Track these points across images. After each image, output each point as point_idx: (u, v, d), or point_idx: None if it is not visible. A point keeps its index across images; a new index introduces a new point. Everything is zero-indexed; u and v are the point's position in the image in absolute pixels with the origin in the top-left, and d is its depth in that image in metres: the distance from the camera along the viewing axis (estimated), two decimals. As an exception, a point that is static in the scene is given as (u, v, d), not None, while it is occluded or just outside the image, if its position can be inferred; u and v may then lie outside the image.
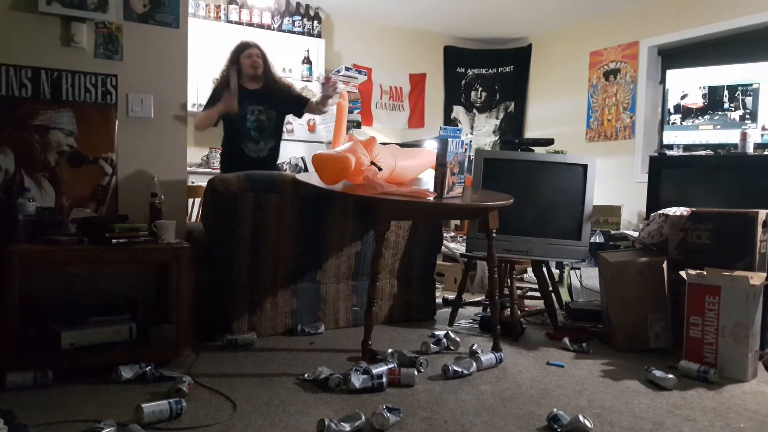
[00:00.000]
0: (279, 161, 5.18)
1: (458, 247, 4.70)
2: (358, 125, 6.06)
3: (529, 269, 4.82)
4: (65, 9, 2.69)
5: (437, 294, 3.87)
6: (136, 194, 2.85)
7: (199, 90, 5.07)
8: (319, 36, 6.14)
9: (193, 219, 3.86)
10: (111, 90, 2.83)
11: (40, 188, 2.71)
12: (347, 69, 5.88)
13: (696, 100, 3.79)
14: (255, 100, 3.65)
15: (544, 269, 3.46)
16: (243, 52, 3.62)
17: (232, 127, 3.66)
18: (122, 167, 2.87)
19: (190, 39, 3.02)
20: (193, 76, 3.11)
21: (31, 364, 2.21)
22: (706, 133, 3.73)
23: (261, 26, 5.83)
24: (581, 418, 1.93)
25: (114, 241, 2.40)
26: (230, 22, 5.66)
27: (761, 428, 2.01)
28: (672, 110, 3.87)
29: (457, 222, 5.62)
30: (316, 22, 6.14)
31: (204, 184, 2.99)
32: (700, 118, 3.77)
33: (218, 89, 3.62)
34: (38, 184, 2.70)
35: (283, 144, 3.94)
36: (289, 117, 4.09)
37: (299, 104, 3.84)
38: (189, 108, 3.13)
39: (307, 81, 5.76)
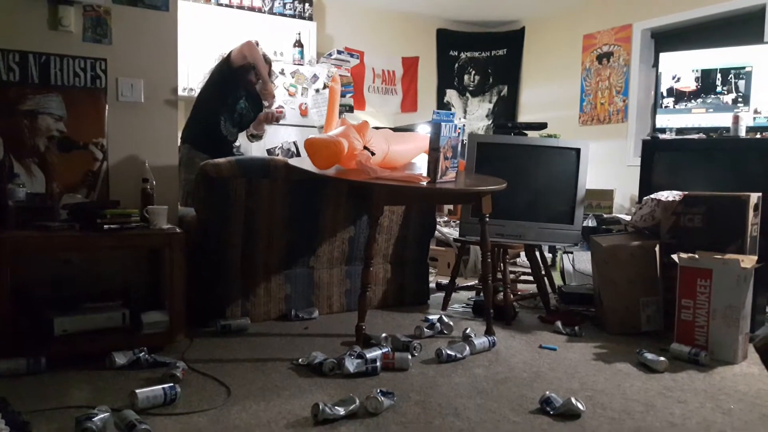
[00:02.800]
0: (270, 146, 5.23)
1: (451, 232, 4.71)
2: (351, 109, 6.02)
3: (522, 253, 4.83)
4: (52, -9, 2.65)
5: (431, 278, 3.88)
6: (127, 180, 2.83)
7: (189, 74, 5.01)
8: (310, 19, 6.07)
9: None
10: (100, 74, 2.79)
11: (30, 174, 2.68)
12: (339, 52, 5.86)
13: (689, 84, 3.78)
14: (246, 97, 3.74)
15: (537, 253, 3.47)
16: (270, 62, 3.79)
17: (224, 98, 3.66)
18: (113, 152, 2.85)
19: (180, 22, 2.98)
20: (184, 60, 3.08)
21: (24, 350, 2.20)
22: (699, 117, 3.73)
23: (251, 9, 5.75)
24: (573, 400, 1.94)
25: (105, 227, 2.38)
26: (220, 5, 5.58)
27: (751, 409, 2.04)
28: (665, 94, 3.87)
29: (451, 207, 5.62)
30: (307, 4, 6.07)
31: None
32: (692, 101, 3.76)
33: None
34: (28, 170, 2.67)
35: (275, 128, 3.98)
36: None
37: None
38: (180, 92, 3.11)
39: (298, 64, 5.71)
